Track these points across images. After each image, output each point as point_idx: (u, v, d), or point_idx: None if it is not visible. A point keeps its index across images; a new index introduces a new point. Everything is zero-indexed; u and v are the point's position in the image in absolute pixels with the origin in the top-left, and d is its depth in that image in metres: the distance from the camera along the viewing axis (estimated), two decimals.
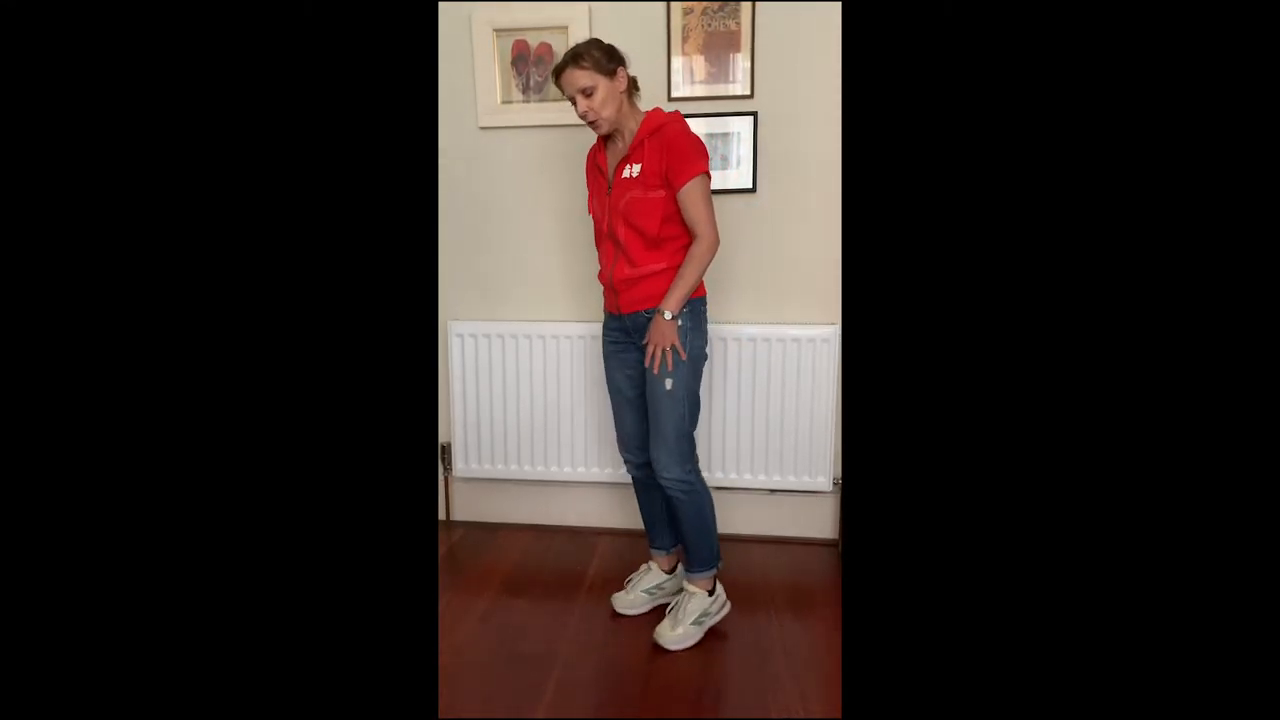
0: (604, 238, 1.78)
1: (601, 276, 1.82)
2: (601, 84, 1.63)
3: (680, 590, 1.92)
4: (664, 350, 1.68)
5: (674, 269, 1.70)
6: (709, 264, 1.69)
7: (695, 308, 1.74)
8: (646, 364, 1.70)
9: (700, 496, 1.80)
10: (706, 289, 1.80)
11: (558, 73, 1.65)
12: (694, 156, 1.63)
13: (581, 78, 1.62)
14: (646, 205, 1.66)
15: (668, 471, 1.75)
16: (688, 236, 1.70)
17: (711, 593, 1.85)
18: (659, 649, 1.77)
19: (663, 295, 1.70)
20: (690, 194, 1.64)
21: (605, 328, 1.89)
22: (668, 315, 1.66)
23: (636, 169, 1.67)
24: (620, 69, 1.66)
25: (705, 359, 1.79)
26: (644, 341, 1.72)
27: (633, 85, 1.71)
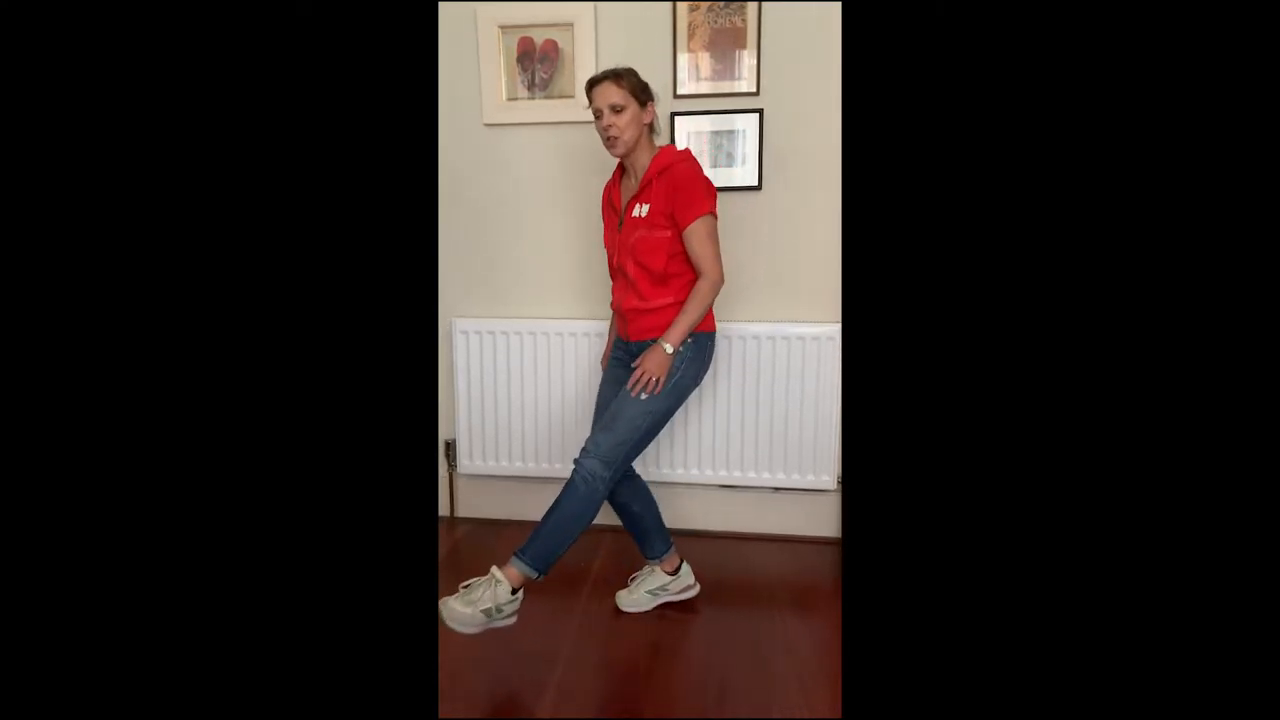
0: (616, 272, 1.83)
1: (614, 305, 1.87)
2: (632, 107, 1.69)
3: (685, 589, 1.96)
4: (651, 380, 1.68)
5: (681, 304, 1.72)
6: (712, 301, 1.71)
7: (700, 341, 1.75)
8: (629, 384, 1.70)
9: (589, 504, 1.67)
10: (717, 323, 1.81)
11: (593, 83, 1.71)
12: (700, 197, 1.68)
13: (617, 94, 1.68)
14: (652, 244, 1.71)
15: (588, 458, 1.67)
16: (694, 273, 1.73)
17: (514, 593, 1.63)
18: (659, 648, 1.77)
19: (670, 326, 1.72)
20: (695, 233, 1.68)
21: (614, 349, 1.93)
22: (668, 349, 1.68)
23: (645, 209, 1.71)
24: (650, 103, 1.73)
25: (692, 390, 1.79)
26: (634, 364, 1.72)
27: (654, 124, 1.77)
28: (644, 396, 1.69)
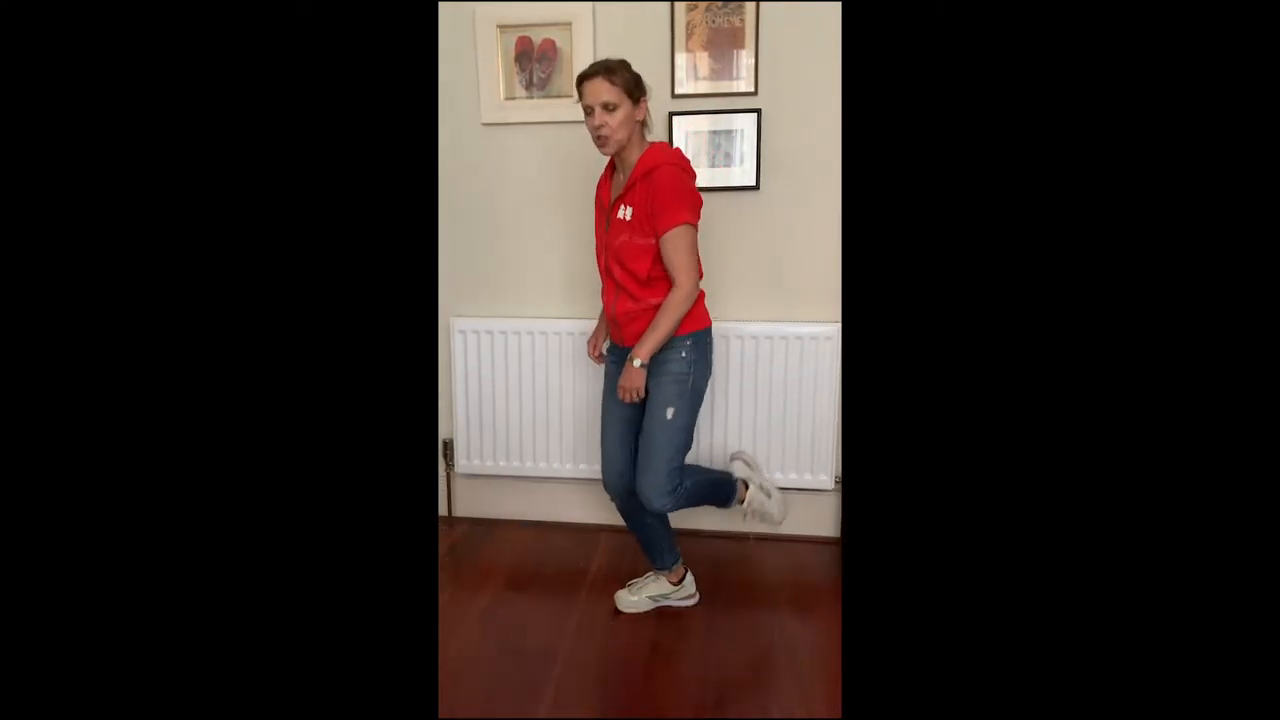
0: (604, 272, 1.79)
1: (605, 310, 1.82)
2: (625, 105, 1.61)
3: (686, 598, 1.96)
4: (634, 392, 1.67)
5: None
6: (685, 312, 1.66)
7: (699, 339, 1.73)
8: (619, 396, 1.70)
9: (690, 502, 1.83)
10: (710, 317, 1.79)
11: (584, 78, 1.63)
12: (679, 206, 1.61)
13: (609, 92, 1.60)
14: (635, 250, 1.67)
15: (656, 503, 1.75)
16: None
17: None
18: (659, 647, 1.77)
19: None
20: (670, 242, 1.62)
21: (610, 353, 1.90)
22: (637, 364, 1.64)
23: (629, 212, 1.66)
24: (643, 100, 1.66)
25: (705, 389, 1.79)
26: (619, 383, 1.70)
27: (646, 120, 1.70)
28: (664, 403, 1.73)
